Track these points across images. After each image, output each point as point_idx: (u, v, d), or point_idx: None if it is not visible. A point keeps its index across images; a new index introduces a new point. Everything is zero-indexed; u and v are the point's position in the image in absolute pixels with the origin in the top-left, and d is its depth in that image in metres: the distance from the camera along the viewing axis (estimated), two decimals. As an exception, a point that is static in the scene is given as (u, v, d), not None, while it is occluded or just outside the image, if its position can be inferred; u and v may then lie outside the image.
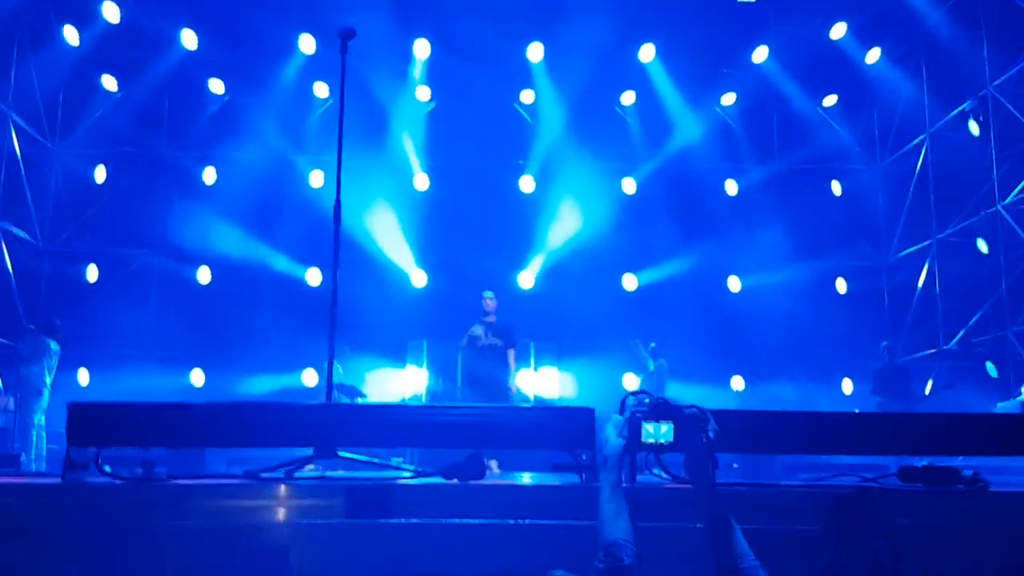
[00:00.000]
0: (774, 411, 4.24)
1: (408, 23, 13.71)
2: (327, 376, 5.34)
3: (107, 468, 3.88)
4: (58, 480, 3.80)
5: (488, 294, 10.18)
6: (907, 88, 13.84)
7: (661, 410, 3.03)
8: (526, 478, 5.08)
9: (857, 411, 12.98)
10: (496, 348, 9.84)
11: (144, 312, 13.84)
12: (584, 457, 3.95)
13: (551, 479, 4.34)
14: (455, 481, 4.01)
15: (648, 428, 3.01)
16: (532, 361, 15.20)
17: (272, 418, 4.10)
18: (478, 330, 10.00)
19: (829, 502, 3.59)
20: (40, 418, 10.32)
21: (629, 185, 15.24)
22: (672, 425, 3.00)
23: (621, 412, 3.28)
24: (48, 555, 3.42)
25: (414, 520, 3.48)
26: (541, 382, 14.96)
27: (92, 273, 14.54)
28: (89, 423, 3.87)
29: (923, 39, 13.37)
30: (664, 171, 14.97)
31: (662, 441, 3.02)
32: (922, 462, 4.32)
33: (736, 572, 2.75)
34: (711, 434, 2.95)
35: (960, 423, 4.31)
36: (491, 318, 10.02)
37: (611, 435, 3.10)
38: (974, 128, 12.33)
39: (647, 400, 3.17)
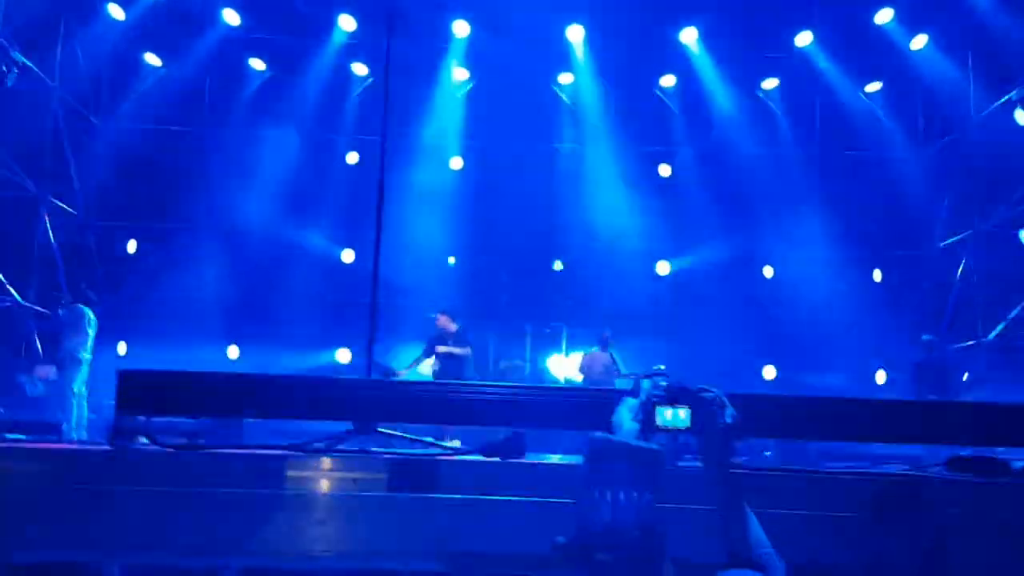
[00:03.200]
0: (810, 396, 4.22)
1: (448, 3, 13.69)
2: (367, 354, 5.40)
3: (153, 436, 3.96)
4: (107, 447, 3.88)
5: (436, 315, 11.07)
6: (953, 75, 13.55)
7: (677, 394, 2.99)
8: (563, 459, 5.10)
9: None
10: (456, 357, 10.69)
11: (182, 287, 13.98)
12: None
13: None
14: (496, 459, 4.05)
15: (664, 413, 2.97)
16: (564, 345, 15.26)
17: (317, 391, 4.16)
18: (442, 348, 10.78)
19: (877, 490, 3.57)
20: (81, 387, 10.50)
21: (665, 170, 15.15)
22: (688, 410, 2.95)
23: (635, 395, 3.25)
24: (98, 519, 3.49)
25: (456, 496, 3.52)
26: (572, 366, 14.99)
27: (132, 247, 14.76)
28: (138, 391, 3.95)
29: (971, 26, 13.06)
30: (702, 156, 14.85)
31: (678, 426, 2.97)
32: (960, 453, 4.28)
33: (750, 558, 2.71)
34: (728, 419, 2.91)
35: (1001, 414, 4.25)
36: (451, 329, 10.82)
37: (625, 419, 3.05)
38: (1021, 117, 12.06)
39: (663, 383, 3.13)
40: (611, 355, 11.88)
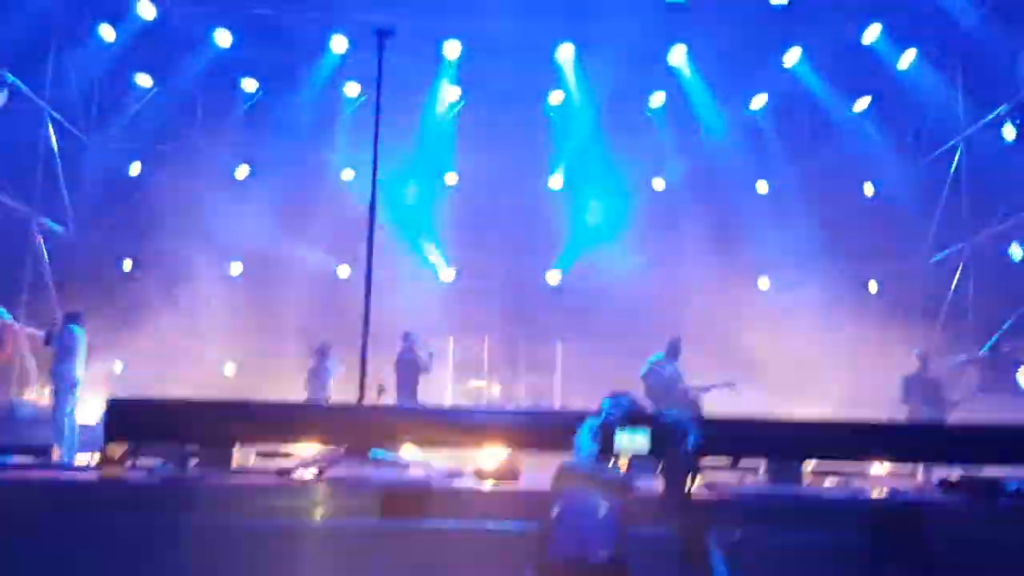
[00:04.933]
0: (801, 419, 4.22)
1: (439, 23, 13.76)
2: (360, 370, 5.40)
3: (141, 462, 3.93)
4: (95, 475, 3.86)
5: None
6: (942, 91, 13.64)
7: (636, 418, 2.94)
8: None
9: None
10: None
11: (176, 305, 13.95)
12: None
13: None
14: (490, 483, 4.03)
15: (622, 436, 2.91)
16: (558, 360, 15.23)
17: (304, 417, 4.15)
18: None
19: (868, 511, 3.56)
20: (73, 411, 10.43)
21: (659, 183, 15.23)
22: (648, 433, 2.89)
23: (598, 415, 3.20)
24: (86, 548, 3.46)
25: (449, 522, 3.50)
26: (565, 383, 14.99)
27: (125, 265, 14.75)
28: (126, 419, 3.93)
29: (958, 42, 13.16)
30: (693, 172, 14.91)
31: (637, 450, 2.91)
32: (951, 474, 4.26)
33: None
34: (690, 446, 2.85)
35: (990, 434, 4.26)
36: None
37: (585, 441, 3.01)
38: (1009, 132, 12.14)
39: (624, 404, 3.08)
40: (676, 368, 10.90)
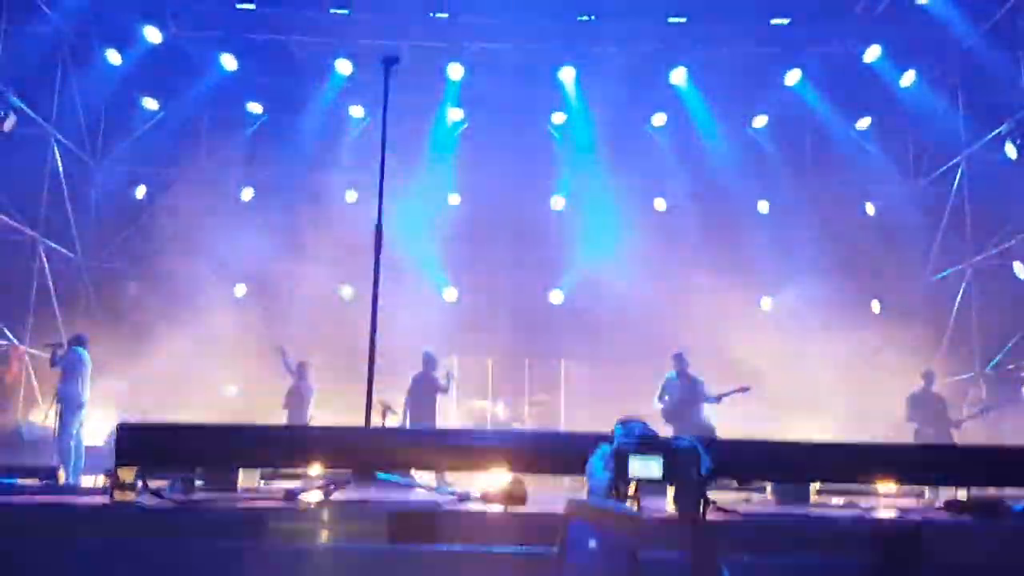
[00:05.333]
0: (805, 441, 4.23)
1: (443, 45, 13.90)
2: (367, 391, 5.42)
3: (152, 488, 3.95)
4: (106, 499, 3.88)
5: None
6: (943, 110, 13.73)
7: (649, 443, 2.92)
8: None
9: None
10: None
11: (181, 327, 13.98)
12: (626, 483, 3.93)
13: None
14: (497, 506, 4.03)
15: (635, 463, 2.89)
16: (562, 380, 15.24)
17: (316, 440, 4.17)
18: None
19: (873, 534, 3.55)
20: (79, 432, 10.46)
21: (660, 204, 15.31)
22: (661, 459, 2.87)
23: (610, 441, 3.19)
24: (96, 574, 3.48)
25: (457, 547, 3.50)
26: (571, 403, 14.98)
27: (131, 288, 14.80)
28: (136, 443, 3.95)
29: (959, 61, 13.27)
30: (695, 191, 14.97)
31: (650, 477, 2.89)
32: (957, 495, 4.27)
33: None
34: (704, 471, 2.84)
35: (998, 454, 4.26)
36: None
37: (597, 468, 2.99)
38: (1011, 151, 12.20)
39: (636, 430, 3.06)
40: (692, 379, 11.03)
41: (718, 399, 10.85)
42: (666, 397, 11.10)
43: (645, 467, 2.85)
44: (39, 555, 3.37)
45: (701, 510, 2.76)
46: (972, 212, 13.41)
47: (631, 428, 3.00)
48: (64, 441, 10.25)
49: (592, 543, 2.57)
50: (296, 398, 11.93)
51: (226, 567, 3.44)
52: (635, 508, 2.95)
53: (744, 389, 10.79)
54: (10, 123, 12.27)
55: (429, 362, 11.40)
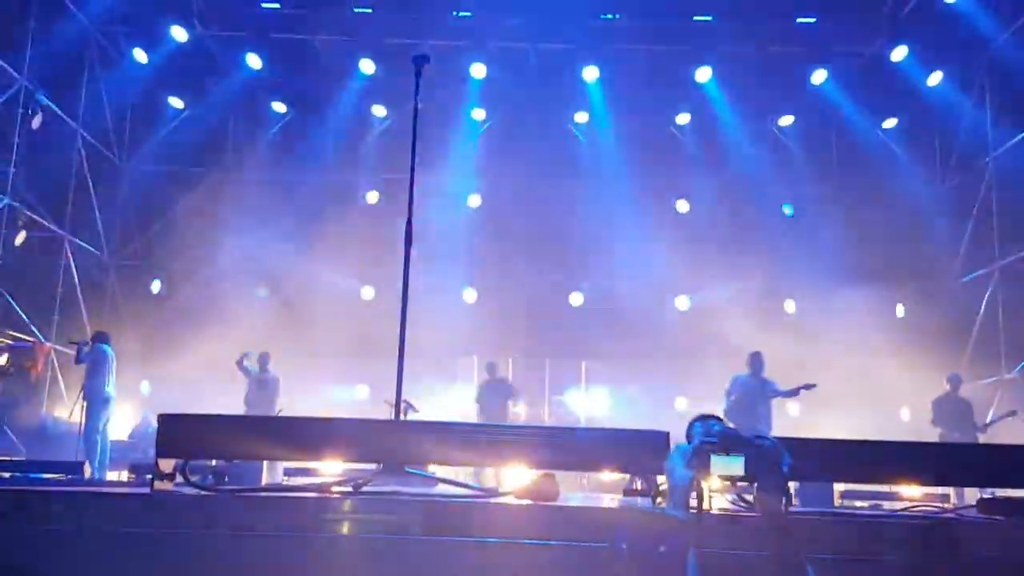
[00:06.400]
0: (835, 439, 4.21)
1: (465, 45, 13.93)
2: (397, 391, 5.43)
3: (192, 479, 3.99)
4: (147, 490, 3.92)
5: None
6: (970, 111, 13.61)
7: (732, 442, 2.94)
8: (601, 501, 5.08)
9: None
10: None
11: (204, 325, 14.09)
12: (657, 481, 3.93)
13: (624, 503, 4.33)
14: (528, 502, 4.04)
15: (718, 461, 2.91)
16: (583, 381, 15.24)
17: (349, 433, 4.19)
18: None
19: (907, 533, 3.53)
20: (105, 427, 10.57)
21: (683, 205, 15.26)
22: (743, 458, 2.89)
23: (688, 439, 3.20)
24: (138, 564, 3.51)
25: (490, 539, 3.51)
26: (591, 402, 14.98)
27: (155, 286, 14.94)
28: (177, 434, 3.98)
29: (986, 62, 13.16)
30: (719, 192, 14.92)
31: (732, 474, 2.91)
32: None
33: None
34: (785, 468, 2.86)
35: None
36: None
37: (678, 464, 3.00)
38: (1039, 152, 12.08)
39: (716, 428, 3.07)
40: (763, 380, 11.01)
41: (788, 394, 10.82)
42: (732, 396, 11.06)
43: (728, 465, 2.87)
44: (84, 545, 3.42)
45: (785, 508, 2.78)
46: (999, 214, 13.28)
47: (710, 426, 3.02)
48: (90, 436, 10.34)
49: (646, 544, 2.59)
50: (262, 390, 12.02)
51: (263, 556, 3.47)
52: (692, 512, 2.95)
53: (810, 386, 10.71)
54: (38, 121, 12.44)
55: (493, 370, 12.46)
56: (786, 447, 2.88)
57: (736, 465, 2.86)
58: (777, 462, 2.81)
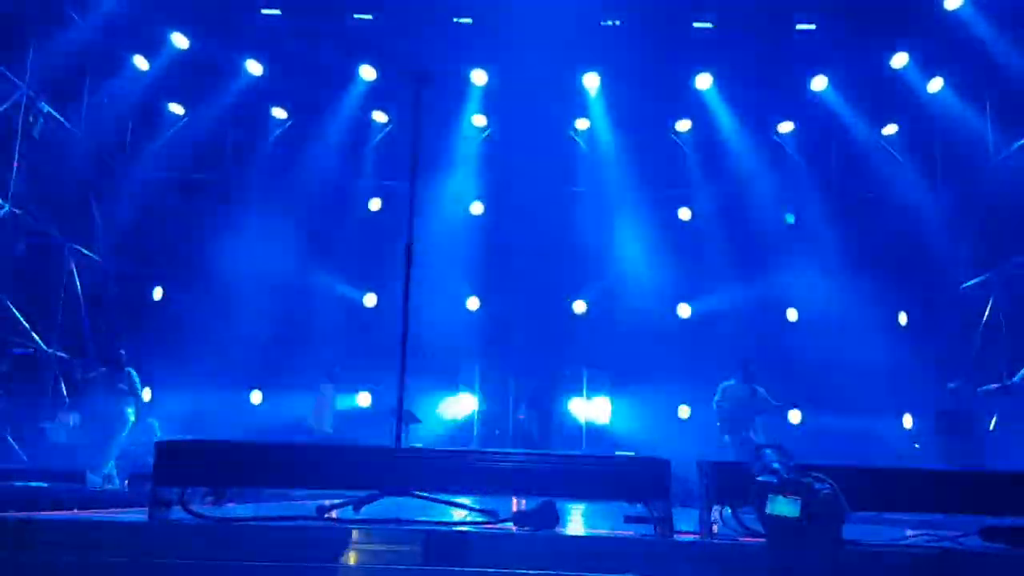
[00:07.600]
0: (837, 465, 4.18)
1: (466, 52, 13.91)
2: (399, 402, 5.43)
3: (189, 507, 3.97)
4: (144, 518, 3.90)
5: None
6: (970, 117, 13.58)
7: (788, 484, 2.89)
8: (600, 530, 5.05)
9: (917, 446, 12.77)
10: None
11: (205, 333, 14.08)
12: (658, 509, 3.90)
13: (625, 531, 4.31)
14: (527, 529, 4.02)
15: (776, 501, 2.87)
16: (584, 389, 15.23)
17: (352, 461, 4.17)
18: None
19: (906, 563, 3.52)
20: (117, 447, 10.71)
21: (685, 213, 15.25)
22: (800, 501, 2.85)
23: (756, 460, 3.16)
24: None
25: (490, 570, 3.50)
26: (593, 410, 14.97)
27: (157, 293, 14.94)
28: (175, 461, 3.97)
29: (988, 69, 13.11)
30: (720, 199, 14.91)
31: (787, 515, 2.86)
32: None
33: None
34: (844, 516, 2.82)
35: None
36: None
37: (770, 460, 3.00)
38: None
39: (776, 466, 3.02)
40: (753, 389, 11.04)
41: (778, 410, 10.86)
42: (724, 407, 11.07)
43: (784, 506, 2.84)
44: (80, 572, 3.41)
45: (837, 551, 2.75)
46: (1000, 221, 13.24)
47: (768, 459, 2.99)
48: (104, 452, 10.50)
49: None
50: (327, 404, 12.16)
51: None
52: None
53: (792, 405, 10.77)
54: (39, 128, 12.44)
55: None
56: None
57: (792, 508, 2.82)
58: (835, 510, 2.77)
